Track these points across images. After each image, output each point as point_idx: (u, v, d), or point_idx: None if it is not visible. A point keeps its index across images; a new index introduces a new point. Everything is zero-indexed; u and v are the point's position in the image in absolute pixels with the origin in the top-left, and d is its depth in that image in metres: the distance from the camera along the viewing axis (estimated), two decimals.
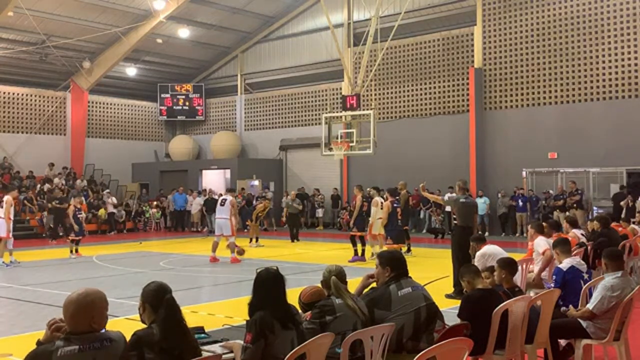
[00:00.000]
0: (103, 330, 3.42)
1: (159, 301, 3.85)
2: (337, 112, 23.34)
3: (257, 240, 20.29)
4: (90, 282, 12.80)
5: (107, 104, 32.15)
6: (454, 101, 25.18)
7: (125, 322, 8.28)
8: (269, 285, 4.35)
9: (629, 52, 21.41)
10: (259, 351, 4.09)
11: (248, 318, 4.26)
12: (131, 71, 31.09)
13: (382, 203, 15.71)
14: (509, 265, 6.22)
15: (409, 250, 16.79)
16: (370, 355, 4.45)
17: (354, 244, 16.18)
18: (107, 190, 28.10)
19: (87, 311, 3.34)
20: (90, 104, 30.91)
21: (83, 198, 25.98)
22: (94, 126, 31.36)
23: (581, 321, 6.01)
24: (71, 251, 17.41)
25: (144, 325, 3.90)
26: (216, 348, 4.43)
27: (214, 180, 30.52)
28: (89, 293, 3.39)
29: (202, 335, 4.74)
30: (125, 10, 26.59)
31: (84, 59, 28.87)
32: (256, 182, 28.75)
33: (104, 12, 26.39)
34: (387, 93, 26.91)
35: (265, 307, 4.23)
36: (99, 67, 29.35)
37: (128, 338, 3.75)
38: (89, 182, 29.21)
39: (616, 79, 21.66)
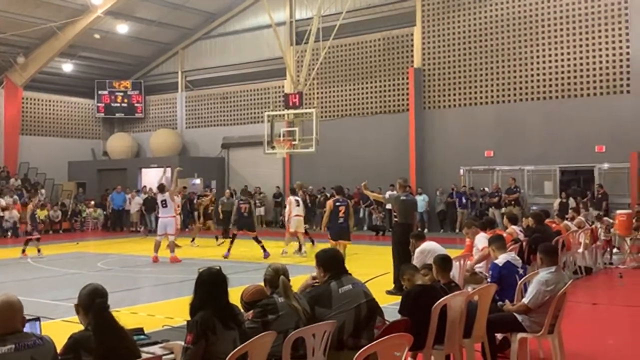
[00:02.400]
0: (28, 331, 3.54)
1: (91, 304, 3.79)
2: (279, 110, 23.32)
3: (192, 240, 20.09)
4: (26, 283, 12.45)
5: (42, 100, 31.22)
6: (394, 100, 25.47)
7: (62, 324, 8.08)
8: (210, 284, 4.30)
9: (562, 54, 22.09)
10: (200, 351, 4.05)
11: (189, 318, 4.22)
12: (67, 67, 30.33)
13: (296, 201, 16.77)
14: (444, 261, 6.36)
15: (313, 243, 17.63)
16: (312, 352, 4.47)
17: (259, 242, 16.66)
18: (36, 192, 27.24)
19: (12, 312, 3.44)
20: (24, 101, 29.97)
21: (17, 197, 25.32)
22: (28, 123, 30.42)
23: (517, 315, 6.17)
24: (38, 250, 16.80)
25: (81, 327, 3.83)
26: (156, 349, 4.37)
27: (153, 178, 29.97)
28: (9, 295, 3.51)
29: (142, 336, 4.68)
30: (61, 5, 25.85)
31: (18, 54, 27.99)
32: (198, 181, 28.42)
33: (39, 6, 25.58)
34: (330, 92, 27.02)
35: (207, 307, 4.19)
36: (34, 62, 28.48)
37: (64, 340, 3.68)
38: (23, 181, 28.31)
39: (550, 79, 22.31)
